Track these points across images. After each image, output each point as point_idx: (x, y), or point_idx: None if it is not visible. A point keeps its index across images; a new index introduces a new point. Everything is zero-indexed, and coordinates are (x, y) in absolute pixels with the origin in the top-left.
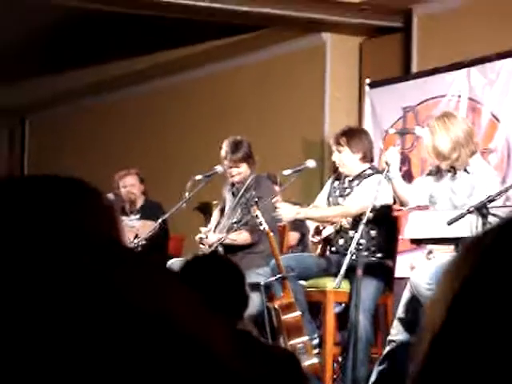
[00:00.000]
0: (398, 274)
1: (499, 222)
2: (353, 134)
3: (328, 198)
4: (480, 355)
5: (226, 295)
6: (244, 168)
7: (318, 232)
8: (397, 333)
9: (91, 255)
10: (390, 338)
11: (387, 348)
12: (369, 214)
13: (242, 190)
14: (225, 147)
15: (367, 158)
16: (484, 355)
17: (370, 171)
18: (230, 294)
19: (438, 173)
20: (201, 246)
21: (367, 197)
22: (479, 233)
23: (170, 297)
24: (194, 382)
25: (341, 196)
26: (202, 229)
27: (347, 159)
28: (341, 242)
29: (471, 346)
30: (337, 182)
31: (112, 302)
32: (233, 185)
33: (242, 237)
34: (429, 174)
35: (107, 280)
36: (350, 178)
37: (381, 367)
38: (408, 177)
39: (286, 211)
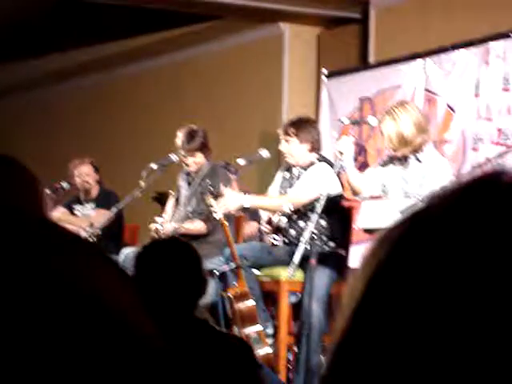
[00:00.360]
0: (351, 263)
1: (409, 214)
2: (301, 125)
3: (279, 189)
4: (396, 325)
5: (184, 279)
6: (199, 157)
7: (269, 222)
8: None
9: (18, 234)
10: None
11: None
12: (321, 203)
13: (198, 180)
14: (180, 136)
15: (315, 148)
16: (399, 326)
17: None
18: (188, 278)
19: (389, 162)
20: (155, 235)
21: (313, 185)
22: (392, 225)
23: (101, 278)
24: (122, 359)
25: (290, 187)
26: (158, 219)
27: (295, 149)
28: (292, 232)
29: (389, 317)
30: (287, 174)
31: (48, 283)
32: (188, 174)
33: (196, 226)
34: (381, 164)
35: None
36: (300, 169)
37: None
38: (364, 167)
39: (231, 199)
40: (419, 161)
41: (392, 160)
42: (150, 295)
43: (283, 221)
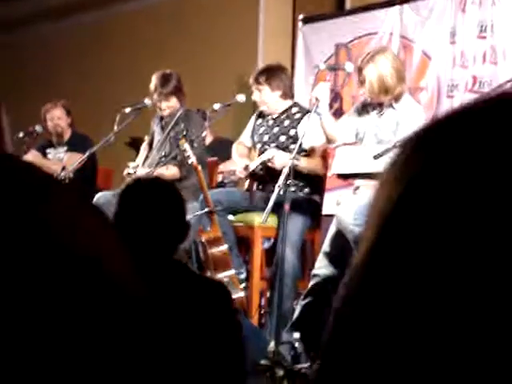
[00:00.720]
0: (325, 210)
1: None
2: (271, 72)
3: (252, 136)
4: (427, 252)
5: (167, 221)
6: (173, 102)
7: (245, 167)
8: (320, 267)
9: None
10: (314, 272)
11: (311, 282)
12: (296, 150)
13: (171, 124)
14: (154, 80)
15: (287, 94)
16: (432, 252)
17: (295, 109)
18: (170, 221)
19: (364, 109)
20: (128, 180)
21: (318, 135)
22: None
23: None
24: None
25: (266, 134)
26: (130, 164)
27: (267, 97)
28: (267, 178)
29: (419, 243)
30: (260, 120)
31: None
32: (162, 118)
33: (169, 171)
34: (356, 111)
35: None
36: (275, 116)
37: (304, 301)
38: (339, 114)
39: (281, 159)
40: (394, 108)
41: (367, 107)
42: (131, 235)
43: (259, 165)
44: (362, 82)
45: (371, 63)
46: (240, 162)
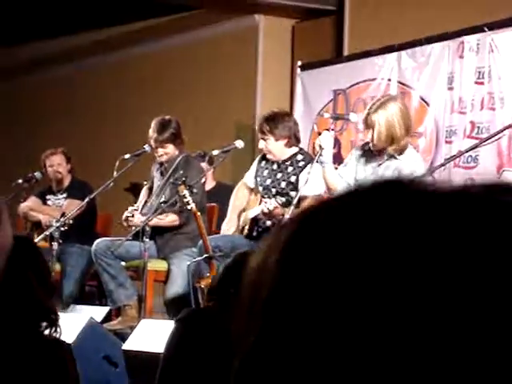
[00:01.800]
0: None
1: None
2: (275, 121)
3: (255, 177)
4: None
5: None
6: (170, 148)
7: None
8: None
9: None
10: None
11: None
12: (297, 197)
13: (171, 170)
14: (152, 126)
15: (292, 141)
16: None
17: (300, 156)
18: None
19: (362, 156)
20: (126, 225)
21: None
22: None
23: None
24: None
25: (269, 178)
26: (130, 208)
27: (272, 147)
28: (268, 223)
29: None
30: (263, 162)
31: None
32: (161, 164)
33: (168, 219)
34: (355, 159)
35: None
36: (280, 161)
37: None
38: (338, 159)
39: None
40: (396, 158)
41: (366, 155)
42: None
43: (259, 211)
44: (367, 126)
45: (382, 110)
46: (230, 207)
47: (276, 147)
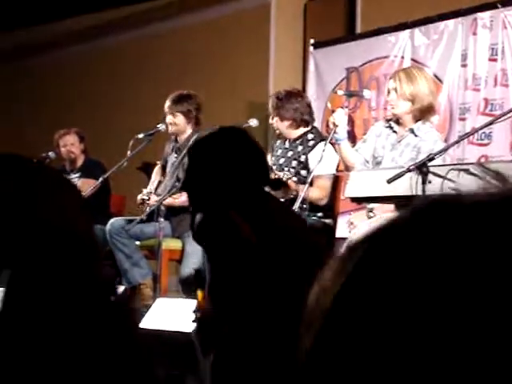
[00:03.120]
0: (339, 234)
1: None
2: (281, 102)
3: (271, 156)
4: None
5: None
6: (180, 120)
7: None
8: None
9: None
10: None
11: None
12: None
13: (186, 149)
14: (170, 96)
15: (297, 123)
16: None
17: (311, 135)
18: (253, 165)
19: (383, 133)
20: (143, 208)
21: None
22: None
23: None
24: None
25: (282, 157)
26: (144, 190)
27: (278, 126)
28: (282, 200)
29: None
30: (278, 141)
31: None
32: (176, 141)
33: (182, 198)
34: (375, 135)
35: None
36: (291, 140)
37: None
38: (351, 137)
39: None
40: (415, 134)
41: (387, 131)
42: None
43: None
44: (389, 91)
45: (406, 77)
46: None
47: (281, 127)
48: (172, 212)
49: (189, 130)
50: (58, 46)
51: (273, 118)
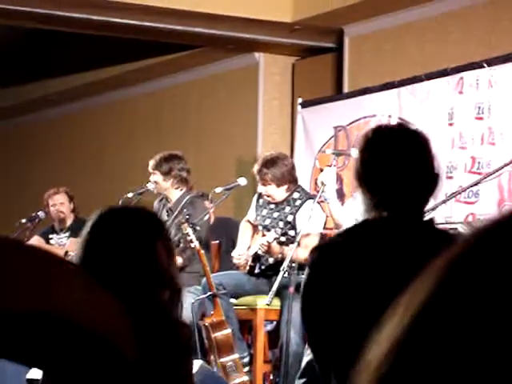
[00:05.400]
0: None
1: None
2: (275, 169)
3: (256, 215)
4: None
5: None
6: (159, 179)
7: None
8: None
9: None
10: (307, 345)
11: (306, 358)
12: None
13: (177, 211)
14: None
15: (291, 184)
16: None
17: (297, 194)
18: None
19: None
20: None
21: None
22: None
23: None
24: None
25: (268, 217)
26: None
27: (273, 192)
28: (271, 260)
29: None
30: (261, 201)
31: None
32: (161, 199)
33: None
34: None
35: None
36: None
37: (302, 381)
38: (340, 196)
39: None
40: None
41: None
42: None
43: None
44: None
45: None
46: (239, 246)
47: (278, 193)
48: None
49: (176, 191)
50: (53, 105)
51: (265, 186)
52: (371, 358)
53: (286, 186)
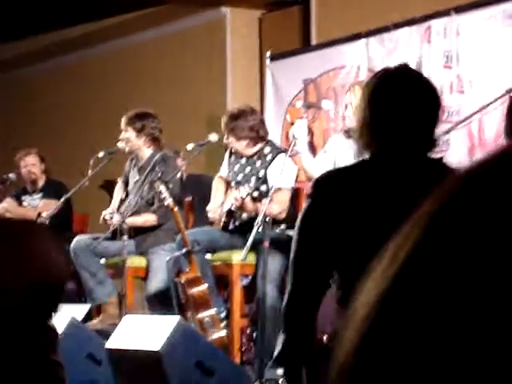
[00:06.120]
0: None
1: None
2: (235, 121)
3: (228, 172)
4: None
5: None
6: (132, 136)
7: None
8: None
9: None
10: None
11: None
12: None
13: (149, 169)
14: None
15: (254, 140)
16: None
17: (268, 149)
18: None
19: (344, 143)
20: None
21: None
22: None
23: None
24: None
25: (240, 172)
26: (107, 210)
27: (235, 145)
28: (244, 216)
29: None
30: (233, 157)
31: None
32: (133, 159)
33: (145, 218)
34: (336, 142)
35: None
36: (248, 156)
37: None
38: (312, 148)
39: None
40: None
41: (349, 135)
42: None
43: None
44: (346, 106)
45: (360, 87)
46: (213, 201)
47: (239, 146)
48: (136, 229)
49: (147, 150)
50: (22, 64)
51: (228, 138)
52: (357, 306)
53: (245, 142)
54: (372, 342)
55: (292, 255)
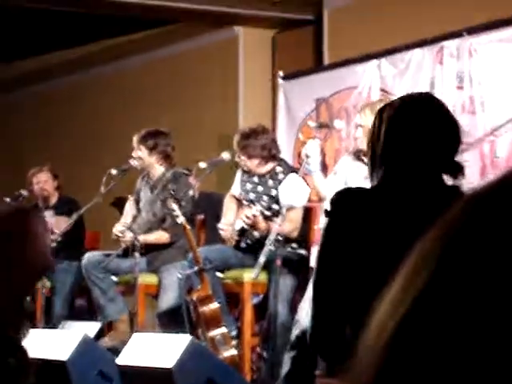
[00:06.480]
0: (313, 263)
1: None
2: (247, 141)
3: (241, 191)
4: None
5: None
6: (144, 154)
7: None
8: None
9: None
10: (296, 317)
11: (295, 331)
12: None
13: (160, 186)
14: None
15: (267, 158)
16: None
17: (279, 169)
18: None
19: (352, 163)
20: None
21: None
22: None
23: None
24: None
25: (252, 192)
26: (117, 226)
27: (246, 164)
28: (256, 234)
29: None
30: (245, 175)
31: None
32: (144, 176)
33: (158, 236)
34: (345, 165)
35: None
36: (260, 175)
37: (292, 354)
38: (323, 168)
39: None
40: None
41: (358, 156)
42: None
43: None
44: (356, 127)
45: (371, 112)
46: (224, 219)
47: (250, 165)
48: (147, 247)
49: (159, 167)
50: (30, 83)
51: (240, 156)
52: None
53: (257, 161)
54: (394, 365)
55: (315, 275)
